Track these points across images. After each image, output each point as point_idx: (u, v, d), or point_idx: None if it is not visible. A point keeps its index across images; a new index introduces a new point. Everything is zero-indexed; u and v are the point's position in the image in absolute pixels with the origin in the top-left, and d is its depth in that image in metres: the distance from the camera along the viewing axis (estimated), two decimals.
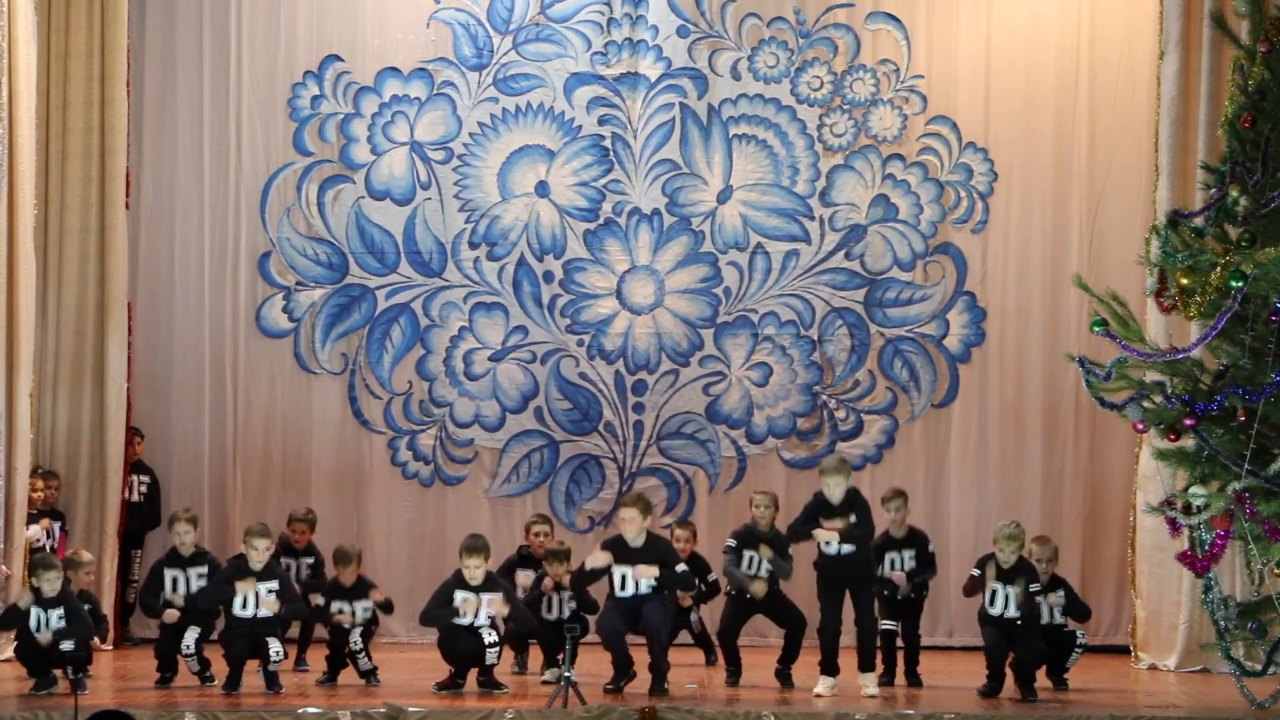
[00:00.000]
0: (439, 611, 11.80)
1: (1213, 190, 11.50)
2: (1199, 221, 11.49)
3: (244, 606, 11.66)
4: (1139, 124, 14.52)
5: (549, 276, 15.15)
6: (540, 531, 12.89)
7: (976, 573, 11.95)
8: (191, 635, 11.87)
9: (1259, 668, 11.46)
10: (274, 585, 11.71)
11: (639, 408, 15.04)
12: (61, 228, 14.06)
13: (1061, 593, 12.13)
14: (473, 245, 15.16)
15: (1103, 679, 12.78)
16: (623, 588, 11.71)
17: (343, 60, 15.21)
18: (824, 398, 15.09)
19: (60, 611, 11.66)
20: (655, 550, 11.82)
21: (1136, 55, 14.67)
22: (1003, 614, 11.76)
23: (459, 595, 11.71)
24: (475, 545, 11.83)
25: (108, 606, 13.79)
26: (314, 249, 15.17)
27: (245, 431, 14.98)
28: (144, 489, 14.47)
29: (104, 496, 13.85)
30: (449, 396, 15.12)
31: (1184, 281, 10.89)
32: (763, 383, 15.10)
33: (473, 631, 11.62)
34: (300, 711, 10.67)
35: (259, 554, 11.73)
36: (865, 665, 11.72)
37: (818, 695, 11.56)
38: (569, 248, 15.15)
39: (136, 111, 14.79)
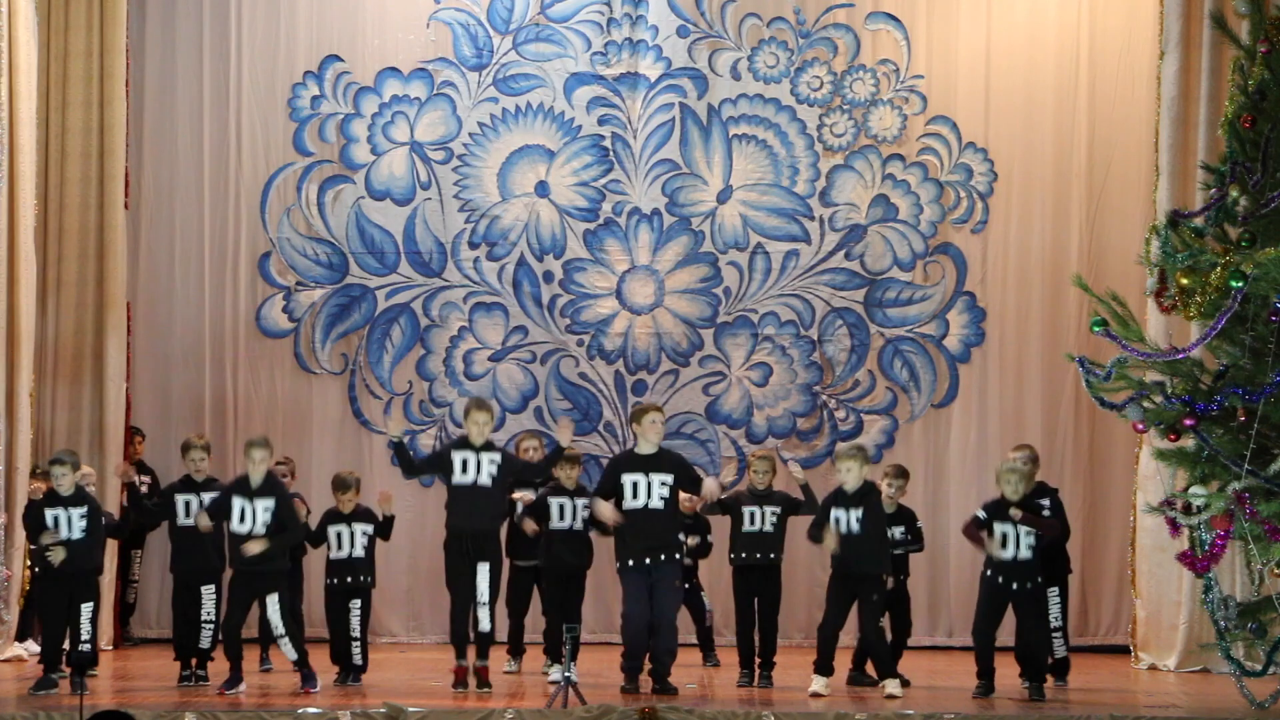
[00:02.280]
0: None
1: (1213, 190, 11.50)
2: (1199, 221, 11.48)
3: (241, 520, 11.54)
4: (1139, 124, 14.54)
5: (549, 276, 15.15)
6: (529, 447, 12.82)
7: (981, 515, 11.73)
8: (209, 601, 11.87)
9: (1259, 668, 11.44)
10: (269, 504, 11.56)
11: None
12: (61, 228, 14.07)
13: (1046, 500, 11.97)
14: (473, 245, 15.17)
15: (1103, 679, 12.78)
16: (634, 496, 11.56)
17: (343, 60, 15.22)
18: (824, 398, 15.10)
19: (83, 510, 11.60)
20: (668, 459, 11.69)
21: (1136, 55, 14.68)
22: (1015, 557, 11.50)
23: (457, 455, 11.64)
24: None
25: (107, 607, 13.80)
26: (314, 249, 15.18)
27: (245, 432, 14.93)
28: (144, 489, 14.44)
29: (104, 496, 13.82)
30: (449, 396, 15.12)
31: (1184, 281, 10.89)
32: (763, 383, 15.11)
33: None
34: (300, 711, 10.65)
35: (255, 466, 11.58)
36: (884, 672, 11.65)
37: (814, 695, 11.51)
38: (569, 248, 15.15)
39: (136, 111, 14.80)
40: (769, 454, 12.31)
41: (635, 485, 11.57)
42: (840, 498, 11.68)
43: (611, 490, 11.69)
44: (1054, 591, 12.13)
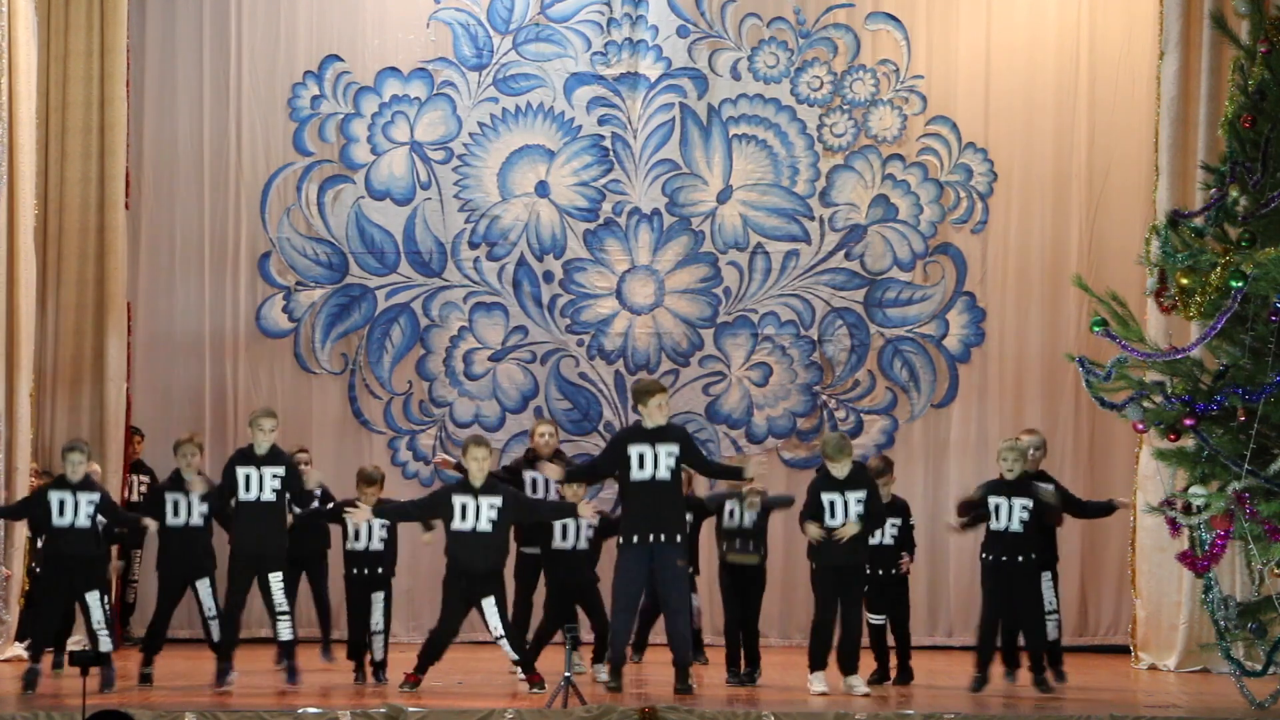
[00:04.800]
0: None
1: (1213, 190, 11.51)
2: (1199, 221, 11.49)
3: (247, 489, 11.53)
4: (1139, 124, 14.54)
5: (549, 276, 15.16)
6: (545, 433, 12.74)
7: (975, 495, 11.83)
8: (208, 596, 11.85)
9: (1259, 668, 11.45)
10: (279, 471, 11.57)
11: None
12: (61, 228, 14.07)
13: (1052, 488, 11.95)
14: (473, 245, 15.17)
15: (1103, 679, 12.78)
16: (640, 467, 11.49)
17: (343, 60, 15.22)
18: (824, 398, 15.10)
19: (91, 496, 11.48)
20: (674, 431, 11.68)
21: (1136, 55, 14.68)
22: (1007, 529, 11.58)
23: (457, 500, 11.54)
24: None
25: None
26: (314, 249, 15.19)
27: (245, 432, 14.93)
28: (144, 489, 14.44)
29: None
30: (449, 396, 15.13)
31: (1184, 281, 10.90)
32: (763, 383, 15.11)
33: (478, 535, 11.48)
34: (300, 711, 10.65)
35: (265, 435, 11.58)
36: (849, 668, 11.57)
37: (822, 694, 11.46)
38: (569, 248, 15.16)
39: (136, 111, 14.80)
40: (745, 455, 12.52)
41: (642, 456, 11.47)
42: (832, 483, 11.59)
43: (615, 463, 11.62)
44: (1045, 575, 12.11)
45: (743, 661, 12.18)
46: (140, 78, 14.99)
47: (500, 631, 11.50)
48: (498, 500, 11.47)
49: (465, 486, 11.54)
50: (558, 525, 12.03)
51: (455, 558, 11.53)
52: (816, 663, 11.61)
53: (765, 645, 12.95)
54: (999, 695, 11.62)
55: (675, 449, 11.49)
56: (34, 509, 11.73)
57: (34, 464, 13.34)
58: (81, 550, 11.53)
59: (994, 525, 11.69)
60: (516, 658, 11.55)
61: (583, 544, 12.08)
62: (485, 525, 11.45)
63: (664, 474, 11.46)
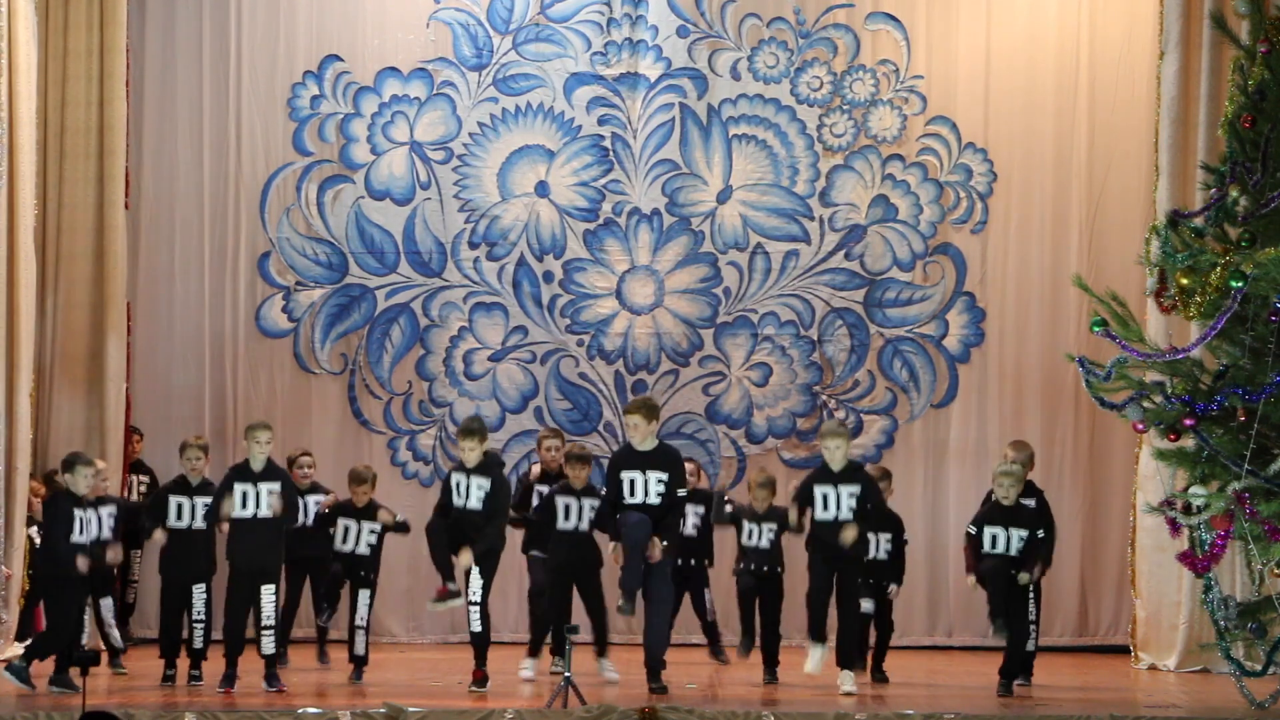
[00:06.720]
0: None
1: (1213, 190, 11.51)
2: (1199, 221, 11.50)
3: (244, 505, 11.55)
4: (1139, 124, 14.53)
5: (549, 276, 15.15)
6: (551, 446, 12.83)
7: (972, 530, 11.84)
8: (200, 601, 11.92)
9: (1259, 668, 11.45)
10: (275, 487, 11.60)
11: None
12: (61, 228, 14.06)
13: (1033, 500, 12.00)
14: (472, 245, 15.17)
15: (1103, 679, 12.79)
16: (631, 493, 11.57)
17: (342, 60, 15.22)
18: (824, 398, 15.10)
19: (110, 509, 11.75)
20: (665, 457, 11.71)
21: (1136, 55, 14.68)
22: (1004, 554, 11.61)
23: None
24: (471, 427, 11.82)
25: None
26: (314, 249, 15.18)
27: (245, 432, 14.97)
28: (143, 489, 14.43)
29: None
30: (449, 396, 15.13)
31: (1184, 281, 10.90)
32: (762, 383, 15.11)
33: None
34: (300, 711, 10.66)
35: (260, 448, 11.63)
36: (846, 661, 11.60)
37: (810, 674, 11.50)
38: (569, 248, 15.15)
39: (136, 111, 14.80)
40: (768, 478, 12.50)
41: (632, 482, 11.58)
42: (826, 475, 11.64)
43: (619, 488, 11.67)
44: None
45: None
46: (140, 78, 14.98)
47: (476, 598, 11.53)
48: (485, 483, 11.63)
49: (460, 467, 11.72)
50: (560, 506, 12.08)
51: (450, 532, 11.70)
52: (813, 633, 11.63)
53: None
54: (995, 695, 11.62)
55: (665, 476, 11.58)
56: (60, 515, 11.65)
57: (34, 482, 13.32)
58: (103, 560, 11.79)
59: (989, 550, 11.71)
60: (478, 630, 11.55)
61: (585, 525, 12.11)
62: (475, 504, 11.62)
63: (654, 499, 11.59)
